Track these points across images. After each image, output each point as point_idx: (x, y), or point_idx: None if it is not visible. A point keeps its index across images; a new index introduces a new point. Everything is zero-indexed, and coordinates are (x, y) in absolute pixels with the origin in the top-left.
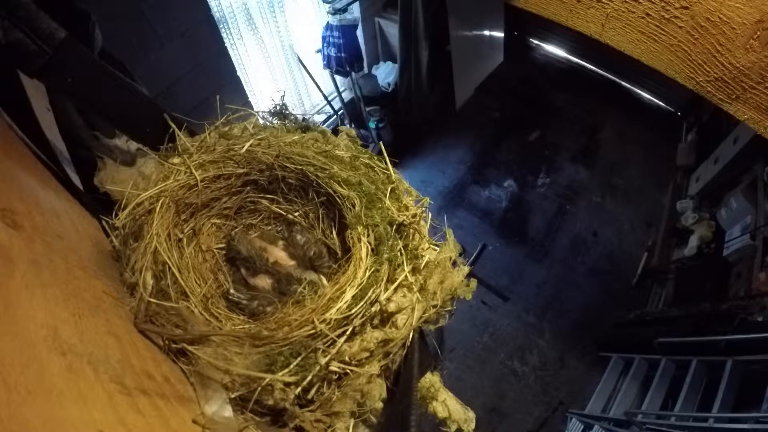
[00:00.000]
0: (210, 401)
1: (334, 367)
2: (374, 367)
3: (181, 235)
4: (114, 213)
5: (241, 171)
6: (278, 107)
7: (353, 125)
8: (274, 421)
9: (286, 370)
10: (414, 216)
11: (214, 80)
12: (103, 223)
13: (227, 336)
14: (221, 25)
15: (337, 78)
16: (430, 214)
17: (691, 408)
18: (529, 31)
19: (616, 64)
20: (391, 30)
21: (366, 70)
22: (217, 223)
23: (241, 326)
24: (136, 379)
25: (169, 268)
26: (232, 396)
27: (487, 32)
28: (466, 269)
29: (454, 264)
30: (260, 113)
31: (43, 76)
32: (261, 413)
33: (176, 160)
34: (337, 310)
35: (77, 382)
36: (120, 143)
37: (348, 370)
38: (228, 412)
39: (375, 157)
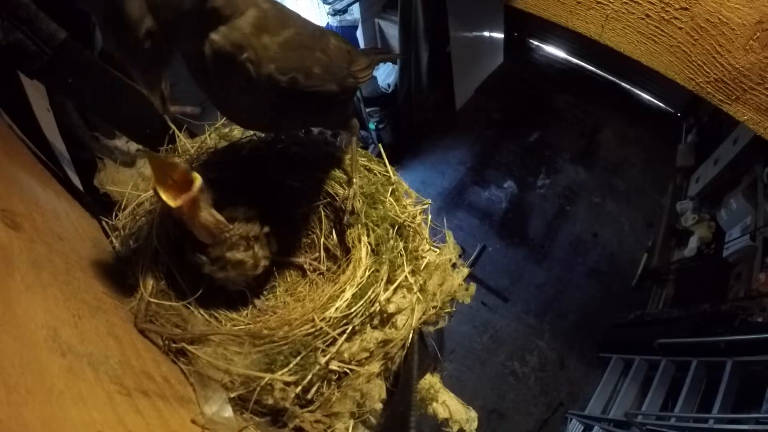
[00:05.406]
0: (210, 401)
1: (334, 366)
2: (374, 367)
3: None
4: (114, 214)
5: None
6: None
7: None
8: (274, 421)
9: (286, 369)
10: (414, 217)
11: None
12: (103, 223)
13: (227, 335)
14: None
15: None
16: (430, 216)
17: (691, 409)
18: (529, 32)
19: (616, 65)
20: (391, 31)
21: None
22: None
23: (241, 325)
24: (136, 380)
25: (170, 268)
26: (232, 396)
27: (487, 33)
28: (465, 271)
29: (454, 266)
30: None
31: (43, 76)
32: (261, 413)
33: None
34: (336, 309)
35: (77, 383)
36: (120, 144)
37: (347, 369)
38: (228, 412)
39: (374, 159)
